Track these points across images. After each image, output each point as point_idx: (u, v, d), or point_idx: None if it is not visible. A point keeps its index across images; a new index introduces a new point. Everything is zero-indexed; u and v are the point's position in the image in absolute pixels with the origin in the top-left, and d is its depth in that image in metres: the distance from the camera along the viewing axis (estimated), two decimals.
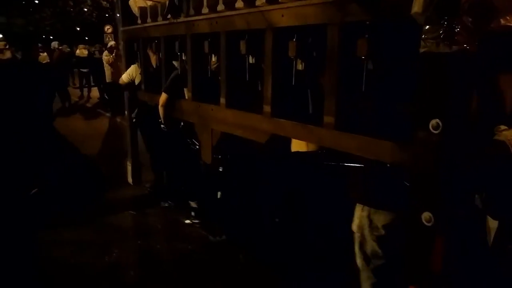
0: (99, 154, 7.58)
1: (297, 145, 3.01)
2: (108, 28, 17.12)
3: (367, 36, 2.29)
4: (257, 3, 3.11)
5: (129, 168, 5.78)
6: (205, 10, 3.72)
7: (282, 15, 2.80)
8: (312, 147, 2.93)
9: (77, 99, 15.11)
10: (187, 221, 4.68)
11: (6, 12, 26.63)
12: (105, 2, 26.74)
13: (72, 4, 26.68)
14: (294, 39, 2.77)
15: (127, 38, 5.45)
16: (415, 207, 2.03)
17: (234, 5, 3.35)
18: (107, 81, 11.51)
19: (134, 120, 5.44)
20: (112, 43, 12.32)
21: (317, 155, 2.89)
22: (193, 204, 4.63)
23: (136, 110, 5.36)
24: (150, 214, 5.06)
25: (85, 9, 27.26)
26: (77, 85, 16.92)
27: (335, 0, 2.40)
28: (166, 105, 4.28)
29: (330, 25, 2.45)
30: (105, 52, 11.98)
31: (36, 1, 26.52)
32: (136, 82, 5.28)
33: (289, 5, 2.76)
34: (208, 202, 4.43)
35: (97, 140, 8.71)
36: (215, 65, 3.86)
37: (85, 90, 15.69)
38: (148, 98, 5.05)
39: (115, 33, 19.24)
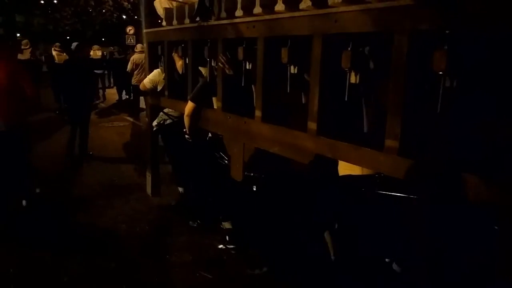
0: (115, 160, 7.28)
1: (348, 168, 2.65)
2: (130, 29, 16.95)
3: (446, 47, 1.91)
4: (302, 6, 2.76)
5: (149, 178, 5.46)
6: (239, 12, 3.39)
7: (335, 21, 2.44)
8: (367, 171, 2.56)
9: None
10: (221, 246, 4.12)
11: (25, 11, 26.63)
12: (126, 3, 26.63)
13: (93, 4, 26.58)
14: (349, 48, 2.41)
15: (151, 41, 5.13)
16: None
17: (274, 8, 3.02)
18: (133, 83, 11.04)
19: (155, 129, 5.11)
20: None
21: (372, 181, 2.51)
22: (227, 225, 4.16)
23: (158, 118, 5.03)
24: (175, 234, 4.46)
25: (104, 10, 27.10)
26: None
27: (405, 4, 2.04)
28: (192, 115, 3.94)
29: (398, 34, 2.09)
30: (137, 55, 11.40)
31: (55, 1, 26.40)
32: (159, 88, 4.96)
33: (344, 10, 2.40)
34: (244, 225, 4.00)
35: (117, 145, 8.42)
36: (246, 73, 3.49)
37: (100, 91, 15.32)
38: (172, 106, 4.74)
39: (137, 34, 19.08)
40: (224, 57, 3.39)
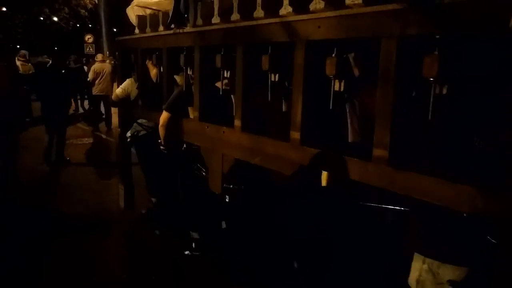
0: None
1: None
2: (89, 38, 16.45)
3: (436, 52, 1.84)
4: (282, 12, 2.67)
5: (121, 191, 5.24)
6: (216, 19, 3.28)
7: (319, 26, 2.35)
8: None
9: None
10: (187, 252, 4.17)
11: None
12: (83, 11, 25.75)
13: (47, 11, 25.46)
14: (334, 55, 2.32)
15: (123, 49, 4.96)
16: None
17: (252, 14, 2.92)
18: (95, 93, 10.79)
19: (129, 140, 4.92)
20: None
21: (358, 194, 2.41)
22: (195, 235, 4.10)
23: (132, 129, 4.84)
24: (144, 242, 4.57)
25: (55, 18, 25.79)
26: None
27: (393, 9, 1.96)
28: (167, 125, 3.78)
29: (386, 39, 2.01)
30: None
31: (4, 9, 24.63)
32: (132, 97, 4.78)
33: (328, 15, 2.31)
34: (212, 235, 3.90)
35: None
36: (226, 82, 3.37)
37: None
38: (146, 116, 4.56)
39: (96, 43, 18.47)
40: None
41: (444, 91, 1.91)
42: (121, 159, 5.25)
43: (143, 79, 4.48)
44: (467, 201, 1.76)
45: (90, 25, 24.72)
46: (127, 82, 4.84)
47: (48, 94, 7.01)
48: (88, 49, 16.48)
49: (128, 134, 4.93)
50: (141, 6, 4.59)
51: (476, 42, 1.82)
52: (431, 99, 1.89)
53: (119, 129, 5.18)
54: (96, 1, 24.29)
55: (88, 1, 24.96)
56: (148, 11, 4.58)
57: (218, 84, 3.28)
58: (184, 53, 3.67)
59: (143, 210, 5.12)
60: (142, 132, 4.82)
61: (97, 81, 10.34)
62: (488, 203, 1.70)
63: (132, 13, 4.74)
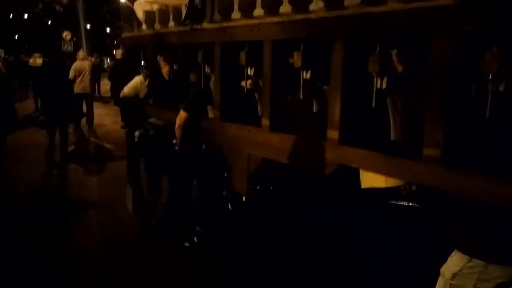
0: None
1: (371, 180, 2.48)
2: (66, 35, 15.94)
3: (495, 49, 1.79)
4: (312, 7, 2.59)
5: (129, 192, 5.12)
6: (236, 14, 3.19)
7: (360, 22, 2.28)
8: (392, 182, 2.40)
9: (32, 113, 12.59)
10: (186, 244, 4.02)
11: None
12: (58, 6, 24.85)
13: (21, 8, 24.46)
14: (377, 51, 2.25)
15: (129, 46, 4.83)
16: None
17: (278, 9, 2.84)
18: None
19: (137, 140, 4.79)
20: None
21: (403, 194, 2.36)
22: (200, 231, 3.95)
23: (141, 128, 4.72)
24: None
25: (26, 15, 24.52)
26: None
27: (447, 4, 1.90)
28: (185, 125, 3.67)
29: (436, 34, 1.95)
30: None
31: None
32: (141, 96, 4.66)
33: (367, 10, 2.25)
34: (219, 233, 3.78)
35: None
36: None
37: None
38: (157, 115, 4.45)
39: (76, 40, 17.82)
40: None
41: (501, 88, 1.86)
42: (129, 160, 5.12)
43: (153, 77, 4.37)
44: None
45: (61, 22, 23.81)
46: (135, 80, 4.72)
47: (50, 92, 6.88)
48: (65, 47, 15.86)
49: (137, 133, 4.81)
50: (149, 1, 4.47)
51: None
52: (489, 96, 1.84)
53: (126, 129, 5.04)
54: None
55: None
56: (156, 7, 4.46)
57: (243, 83, 3.19)
58: (202, 50, 3.58)
59: (153, 217, 4.95)
60: (152, 132, 4.70)
61: (78, 80, 10.19)
62: None
63: (140, 8, 4.62)
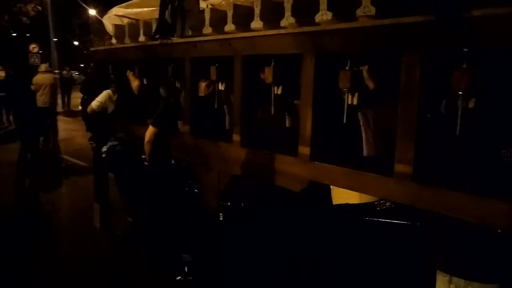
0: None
1: (343, 196, 2.46)
2: (33, 47, 15.54)
3: (465, 66, 1.81)
4: (284, 23, 2.59)
5: (97, 210, 4.96)
6: (207, 30, 3.16)
7: (332, 38, 2.28)
8: (366, 198, 2.39)
9: None
10: (179, 278, 3.78)
11: None
12: (25, 18, 24.25)
13: None
14: (348, 67, 2.25)
15: (97, 60, 4.73)
16: None
17: (249, 25, 2.83)
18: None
19: (104, 156, 4.66)
20: None
21: (372, 210, 2.34)
22: (187, 258, 3.84)
23: (109, 143, 4.60)
24: (131, 267, 4.15)
25: None
26: None
27: (418, 21, 1.91)
28: (154, 141, 3.59)
29: (408, 51, 1.96)
30: None
31: None
32: (109, 110, 4.55)
33: (339, 27, 2.25)
34: (206, 257, 3.66)
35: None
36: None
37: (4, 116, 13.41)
38: (125, 130, 4.35)
39: (45, 53, 17.35)
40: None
41: (471, 105, 1.88)
42: (96, 176, 4.97)
43: (122, 91, 4.28)
44: (503, 217, 1.72)
45: (29, 35, 23.16)
46: (103, 95, 4.60)
47: (15, 105, 6.63)
48: (32, 60, 15.42)
49: (104, 149, 4.67)
50: (119, 16, 4.40)
51: (504, 54, 1.80)
52: (459, 113, 1.85)
53: (93, 144, 4.91)
54: (40, 8, 23.06)
55: (30, 9, 23.38)
56: (126, 21, 4.40)
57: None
58: (172, 64, 3.53)
59: (119, 231, 4.79)
60: (120, 147, 4.59)
61: (38, 93, 9.89)
62: None
63: (109, 22, 4.55)
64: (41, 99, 9.81)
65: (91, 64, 6.55)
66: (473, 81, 1.79)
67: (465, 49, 1.82)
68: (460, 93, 1.83)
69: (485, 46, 1.78)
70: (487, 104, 1.85)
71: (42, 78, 10.04)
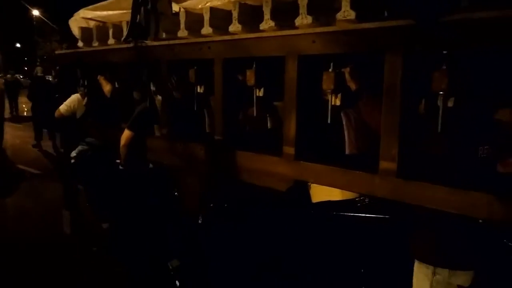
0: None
1: (325, 193, 2.54)
2: None
3: (445, 67, 1.92)
4: (263, 26, 2.64)
5: (67, 217, 4.84)
6: (182, 33, 3.17)
7: (314, 41, 2.35)
8: (348, 195, 2.48)
9: None
10: None
11: None
12: None
13: None
14: (331, 69, 2.33)
15: (64, 64, 4.62)
16: None
17: (227, 28, 2.86)
18: None
19: (73, 161, 4.56)
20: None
21: (355, 206, 2.44)
22: (174, 264, 3.72)
23: (78, 148, 4.50)
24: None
25: None
26: None
27: (396, 25, 2.02)
28: (130, 145, 3.56)
29: (390, 53, 2.06)
30: None
31: None
32: (78, 115, 4.46)
33: (321, 30, 2.33)
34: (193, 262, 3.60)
35: None
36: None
37: None
38: (96, 135, 4.27)
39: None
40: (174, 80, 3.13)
41: (450, 104, 2.00)
42: (65, 182, 4.86)
43: (92, 95, 4.20)
44: (484, 207, 1.85)
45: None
46: (72, 99, 4.50)
47: None
48: None
49: (73, 154, 4.58)
50: (85, 18, 4.32)
51: (482, 56, 1.93)
52: (440, 112, 1.96)
53: (61, 150, 4.79)
54: None
55: None
56: (93, 23, 4.32)
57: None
58: (146, 68, 3.51)
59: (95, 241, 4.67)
60: (90, 152, 4.51)
61: None
62: (505, 208, 1.80)
63: (75, 25, 4.45)
64: None
65: (57, 68, 6.37)
66: (452, 81, 1.91)
67: (444, 52, 1.93)
68: (441, 92, 1.94)
69: (464, 48, 1.89)
70: (465, 104, 1.97)
71: None
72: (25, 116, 15.01)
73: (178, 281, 3.38)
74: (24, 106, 14.47)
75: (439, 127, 1.97)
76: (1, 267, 4.11)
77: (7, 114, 15.02)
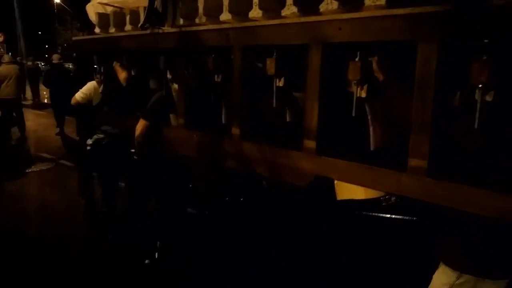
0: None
1: (349, 191, 2.40)
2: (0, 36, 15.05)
3: (485, 58, 1.76)
4: (285, 12, 2.50)
5: (83, 204, 4.79)
6: (201, 19, 3.05)
7: (340, 28, 2.20)
8: (372, 194, 2.34)
9: None
10: (147, 261, 3.78)
11: None
12: None
13: None
14: (357, 59, 2.18)
15: (81, 51, 4.54)
16: None
17: (247, 14, 2.73)
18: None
19: (89, 148, 4.49)
20: None
21: (379, 206, 2.30)
22: (160, 244, 3.73)
23: (94, 137, 4.42)
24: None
25: None
26: None
27: (431, 11, 1.85)
28: (146, 134, 3.46)
29: (423, 42, 1.90)
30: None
31: None
32: (94, 102, 4.38)
33: (348, 16, 2.18)
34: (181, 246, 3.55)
35: None
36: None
37: None
38: (112, 123, 4.19)
39: (11, 42, 16.53)
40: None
41: (489, 98, 1.83)
42: (80, 170, 4.80)
43: (109, 83, 4.11)
44: None
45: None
46: (88, 86, 4.42)
47: None
48: None
49: (89, 141, 4.51)
50: (102, 3, 4.22)
51: None
52: (478, 106, 1.80)
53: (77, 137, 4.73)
54: None
55: None
56: (110, 9, 4.22)
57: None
58: (164, 55, 3.39)
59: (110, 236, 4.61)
60: (106, 140, 4.43)
61: (3, 85, 9.62)
62: None
63: (92, 11, 4.35)
64: (6, 90, 9.55)
65: (74, 54, 6.31)
66: (493, 73, 1.74)
67: (485, 40, 1.76)
68: (480, 85, 1.77)
69: (507, 36, 1.72)
70: (506, 98, 1.80)
71: (6, 69, 9.77)
72: (46, 103, 15.06)
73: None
74: (45, 93, 14.49)
75: (476, 123, 1.81)
76: (27, 259, 4.09)
77: (29, 101, 15.24)
